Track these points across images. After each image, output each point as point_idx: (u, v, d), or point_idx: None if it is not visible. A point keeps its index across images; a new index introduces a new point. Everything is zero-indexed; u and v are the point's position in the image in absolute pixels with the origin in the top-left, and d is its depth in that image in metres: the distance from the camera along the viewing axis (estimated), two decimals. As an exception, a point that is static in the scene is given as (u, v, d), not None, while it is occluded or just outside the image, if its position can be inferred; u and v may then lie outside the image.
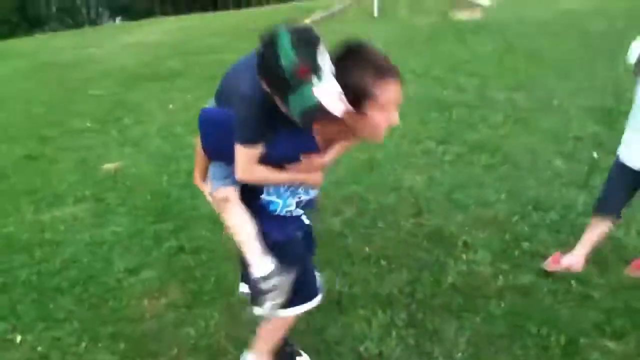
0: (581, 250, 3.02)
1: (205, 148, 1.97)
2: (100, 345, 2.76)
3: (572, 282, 2.96)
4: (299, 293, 2.01)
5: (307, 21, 12.22)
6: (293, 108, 1.57)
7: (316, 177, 1.91)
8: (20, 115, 6.98)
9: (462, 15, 11.33)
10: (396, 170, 4.55)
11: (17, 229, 4.02)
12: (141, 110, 6.68)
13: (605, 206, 3.00)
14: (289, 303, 1.99)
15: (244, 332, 2.74)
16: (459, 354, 2.52)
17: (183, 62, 9.23)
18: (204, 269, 3.33)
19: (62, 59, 10.76)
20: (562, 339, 2.55)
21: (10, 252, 3.70)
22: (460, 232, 3.53)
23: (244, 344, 2.64)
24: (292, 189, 1.92)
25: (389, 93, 1.68)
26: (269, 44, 1.55)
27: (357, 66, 1.65)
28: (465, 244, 3.39)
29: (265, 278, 1.90)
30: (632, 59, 2.69)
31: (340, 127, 1.75)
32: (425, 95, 6.35)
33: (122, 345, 2.73)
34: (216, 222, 3.81)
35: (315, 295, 2.09)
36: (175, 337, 2.77)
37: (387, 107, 1.70)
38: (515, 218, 3.64)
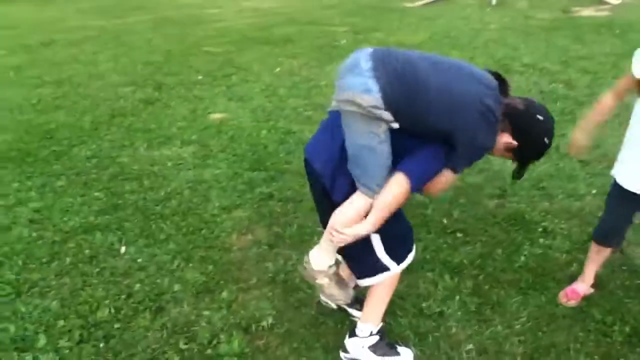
0: (590, 279, 2.83)
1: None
2: (191, 265, 3.10)
3: (648, 281, 2.93)
4: (403, 246, 2.27)
5: (419, 4, 12.12)
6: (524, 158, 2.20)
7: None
8: (141, 62, 7.58)
9: (586, 12, 10.79)
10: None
11: (130, 160, 4.48)
12: (249, 70, 7.05)
13: (606, 237, 2.72)
14: (396, 259, 2.23)
15: (318, 275, 2.98)
16: (518, 326, 2.60)
17: (294, 30, 9.54)
18: (289, 216, 3.58)
19: (183, 16, 11.44)
20: (627, 329, 2.56)
21: (123, 179, 4.16)
22: (542, 219, 3.54)
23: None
24: None
25: None
26: (530, 120, 2.04)
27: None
28: (545, 229, 3.40)
29: None
30: (637, 71, 2.27)
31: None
32: (531, 86, 6.23)
33: (209, 268, 3.06)
34: (305, 177, 4.07)
35: (412, 247, 2.34)
36: (256, 268, 3.06)
37: None
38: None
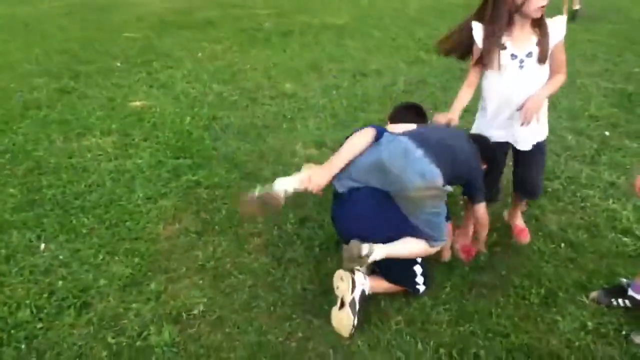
0: (470, 230, 3.11)
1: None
2: (116, 258, 3.01)
3: (562, 245, 3.11)
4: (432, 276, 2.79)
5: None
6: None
7: None
8: (56, 51, 7.21)
9: None
10: (410, 131, 4.68)
11: (46, 153, 4.27)
12: (171, 56, 6.86)
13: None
14: (426, 285, 2.72)
15: (250, 259, 2.98)
16: (443, 295, 2.71)
17: (217, 14, 9.35)
18: (217, 203, 3.54)
19: (99, 1, 10.95)
20: (542, 292, 2.72)
21: (39, 173, 3.96)
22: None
23: (248, 270, 2.89)
24: None
25: None
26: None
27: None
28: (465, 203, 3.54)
29: None
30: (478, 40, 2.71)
31: None
32: (453, 64, 6.41)
33: (136, 260, 2.98)
34: (233, 163, 4.04)
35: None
36: (185, 257, 3.01)
37: None
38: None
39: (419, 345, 2.41)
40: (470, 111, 3.22)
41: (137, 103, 5.25)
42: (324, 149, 4.31)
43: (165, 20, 8.90)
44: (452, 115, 2.81)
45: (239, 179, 3.82)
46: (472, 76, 2.84)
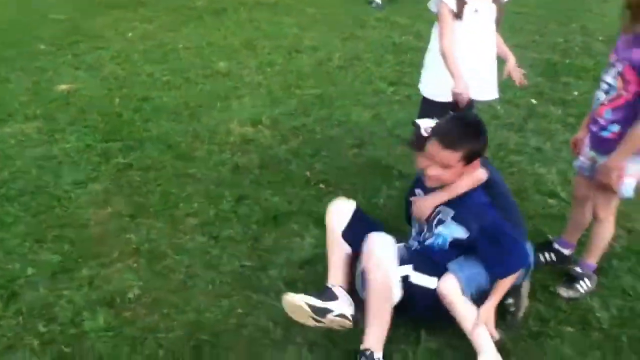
0: None
1: None
2: (45, 246, 2.90)
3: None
4: None
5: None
6: None
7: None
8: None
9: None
10: (345, 106, 4.70)
11: (-33, 141, 4.05)
12: (99, 37, 6.58)
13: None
14: None
15: (185, 239, 2.93)
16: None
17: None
18: (150, 185, 3.46)
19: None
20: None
21: (-41, 162, 3.75)
22: (397, 162, 3.74)
23: (184, 250, 2.84)
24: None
25: (429, 149, 2.21)
26: None
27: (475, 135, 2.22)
28: (400, 173, 3.60)
29: None
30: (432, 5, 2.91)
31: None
32: (384, 39, 6.47)
33: (65, 247, 2.88)
34: (166, 144, 3.95)
35: None
36: (117, 241, 2.93)
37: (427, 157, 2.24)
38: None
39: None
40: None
41: (64, 86, 5.02)
42: (259, 127, 4.27)
43: (93, 0, 8.53)
44: (464, 86, 2.81)
45: (173, 159, 3.74)
46: (450, 34, 2.85)
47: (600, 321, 2.44)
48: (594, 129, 2.43)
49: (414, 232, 2.49)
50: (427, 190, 2.37)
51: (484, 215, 2.20)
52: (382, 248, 2.21)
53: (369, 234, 2.27)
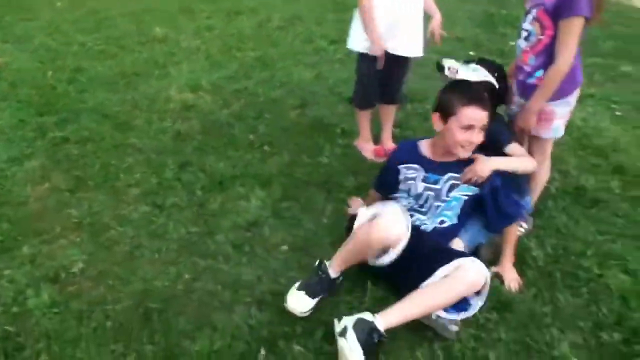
0: (369, 135, 3.49)
1: None
2: (-19, 227, 2.80)
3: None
4: None
5: None
6: None
7: None
8: None
9: None
10: (287, 67, 4.67)
11: None
12: (26, 7, 6.29)
13: (365, 100, 3.33)
14: None
15: (129, 210, 2.89)
16: (325, 220, 2.80)
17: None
18: (89, 158, 3.37)
19: None
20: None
21: None
22: (340, 121, 3.76)
23: (128, 221, 2.80)
24: None
25: (468, 114, 2.22)
26: None
27: (451, 91, 2.31)
28: (343, 130, 3.63)
29: None
30: None
31: None
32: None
33: (4, 226, 2.78)
34: (103, 115, 3.84)
35: None
36: (58, 217, 2.86)
37: (467, 127, 2.24)
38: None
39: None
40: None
41: (-9, 61, 4.80)
42: (200, 92, 4.20)
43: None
44: (378, 49, 2.97)
45: (111, 130, 3.65)
46: None
47: (536, 259, 2.56)
48: (521, 77, 2.50)
49: (404, 202, 2.48)
50: (427, 167, 2.42)
51: (494, 176, 2.34)
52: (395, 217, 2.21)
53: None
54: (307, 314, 2.19)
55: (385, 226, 2.14)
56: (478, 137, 2.27)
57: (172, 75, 4.48)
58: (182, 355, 2.03)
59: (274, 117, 3.84)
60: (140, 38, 5.31)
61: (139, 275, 2.48)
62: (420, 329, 2.12)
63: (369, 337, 1.90)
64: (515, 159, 2.47)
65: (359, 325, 1.92)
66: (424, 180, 2.43)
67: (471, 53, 4.80)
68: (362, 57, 3.15)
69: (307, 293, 2.20)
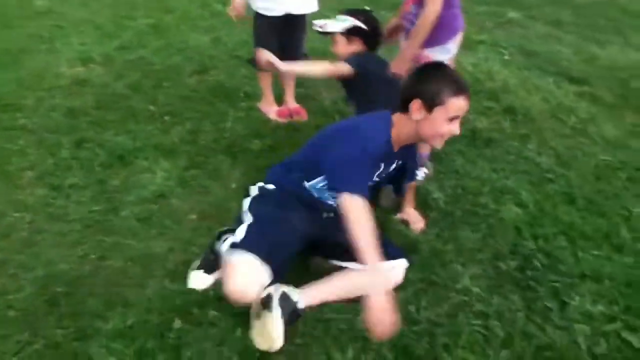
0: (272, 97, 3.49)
1: None
2: None
3: (336, 117, 3.34)
4: None
5: None
6: None
7: None
8: None
9: None
10: (183, 33, 4.53)
11: None
12: None
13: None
14: None
15: (25, 194, 2.75)
16: (234, 185, 2.79)
17: None
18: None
19: None
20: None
21: None
22: (242, 84, 3.72)
23: (25, 206, 2.68)
24: None
25: (457, 105, 1.95)
26: None
27: (437, 77, 1.96)
28: (245, 94, 3.59)
29: None
30: None
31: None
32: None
33: None
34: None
35: None
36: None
37: (453, 118, 1.97)
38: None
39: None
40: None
41: None
42: (91, 65, 4.01)
43: None
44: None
45: (-1, 112, 3.42)
46: None
47: (437, 201, 2.70)
48: (406, 25, 2.58)
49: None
50: (386, 160, 2.13)
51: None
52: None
53: None
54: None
55: (239, 290, 1.92)
56: (458, 128, 2.02)
57: (60, 50, 4.23)
58: (95, 336, 1.98)
59: (173, 86, 3.74)
60: (22, 12, 4.96)
61: (42, 260, 2.37)
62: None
63: (290, 316, 1.90)
64: None
65: (284, 302, 1.89)
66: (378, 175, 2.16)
67: (366, 7, 4.83)
68: (259, 16, 3.11)
69: (205, 271, 2.22)
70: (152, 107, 3.49)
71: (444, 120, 1.96)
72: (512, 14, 5.30)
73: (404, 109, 1.98)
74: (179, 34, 4.49)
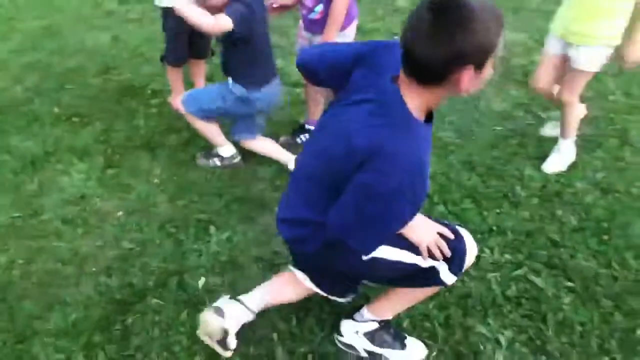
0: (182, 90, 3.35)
1: None
2: None
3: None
4: None
5: None
6: None
7: None
8: None
9: None
10: (79, 33, 4.40)
11: None
12: None
13: (177, 58, 3.24)
14: None
15: None
16: (156, 180, 2.81)
17: None
18: None
19: None
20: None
21: None
22: (149, 81, 3.71)
23: None
24: None
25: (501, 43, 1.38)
26: None
27: (479, 29, 1.28)
28: (153, 91, 3.59)
29: None
30: None
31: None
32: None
33: None
34: None
35: None
36: None
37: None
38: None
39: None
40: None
41: None
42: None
43: None
44: None
45: None
46: None
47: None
48: (304, 12, 2.72)
49: None
50: None
51: None
52: None
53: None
54: None
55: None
56: None
57: (-56, 56, 3.97)
58: (36, 335, 1.97)
59: (77, 87, 3.65)
60: None
61: (-36, 271, 2.29)
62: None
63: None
64: None
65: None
66: None
67: None
68: (168, 12, 3.11)
69: None
70: (57, 110, 3.39)
71: (490, 67, 1.42)
72: (401, 3, 5.61)
73: (437, 83, 1.38)
74: (75, 35, 4.36)
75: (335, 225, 1.47)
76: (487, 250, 2.40)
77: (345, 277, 1.86)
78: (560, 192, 2.77)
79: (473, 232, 2.46)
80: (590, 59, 2.59)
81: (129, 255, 2.34)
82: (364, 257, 1.61)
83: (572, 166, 2.94)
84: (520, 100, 3.57)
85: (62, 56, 4.04)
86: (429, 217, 1.72)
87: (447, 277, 1.70)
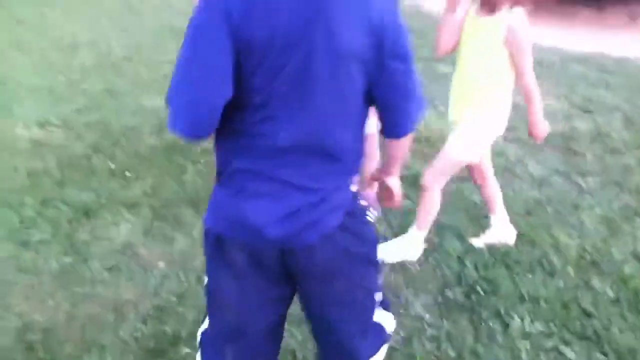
0: None
1: None
2: None
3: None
4: None
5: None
6: None
7: None
8: None
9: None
10: (136, 95, 4.72)
11: None
12: None
13: None
14: None
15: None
16: (196, 234, 2.92)
17: None
18: None
19: None
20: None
21: None
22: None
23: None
24: None
25: None
26: None
27: None
28: (202, 149, 3.79)
29: None
30: None
31: None
32: (163, 24, 6.51)
33: None
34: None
35: None
36: None
37: None
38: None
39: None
40: None
41: None
42: (49, 128, 4.12)
43: None
44: None
45: None
46: None
47: (386, 238, 2.94)
48: None
49: None
50: None
51: None
52: None
53: None
54: None
55: None
56: None
57: (15, 114, 4.32)
58: (73, 377, 2.08)
59: (131, 144, 3.90)
60: (-27, 79, 5.03)
61: (15, 312, 2.45)
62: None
63: None
64: None
65: None
66: None
67: None
68: None
69: None
70: (112, 165, 3.63)
71: None
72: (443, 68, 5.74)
73: None
74: (133, 97, 4.68)
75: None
76: (516, 318, 2.39)
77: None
78: (597, 261, 2.74)
79: (503, 298, 2.49)
80: None
81: (166, 306, 2.45)
82: None
83: (611, 235, 2.92)
84: (559, 167, 3.59)
85: (120, 116, 4.34)
86: None
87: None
